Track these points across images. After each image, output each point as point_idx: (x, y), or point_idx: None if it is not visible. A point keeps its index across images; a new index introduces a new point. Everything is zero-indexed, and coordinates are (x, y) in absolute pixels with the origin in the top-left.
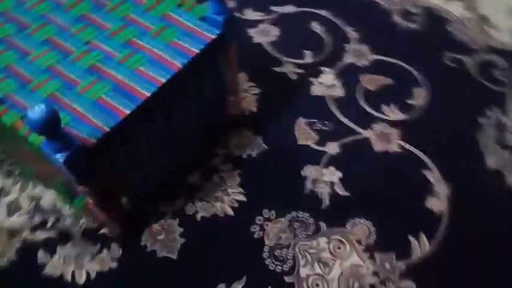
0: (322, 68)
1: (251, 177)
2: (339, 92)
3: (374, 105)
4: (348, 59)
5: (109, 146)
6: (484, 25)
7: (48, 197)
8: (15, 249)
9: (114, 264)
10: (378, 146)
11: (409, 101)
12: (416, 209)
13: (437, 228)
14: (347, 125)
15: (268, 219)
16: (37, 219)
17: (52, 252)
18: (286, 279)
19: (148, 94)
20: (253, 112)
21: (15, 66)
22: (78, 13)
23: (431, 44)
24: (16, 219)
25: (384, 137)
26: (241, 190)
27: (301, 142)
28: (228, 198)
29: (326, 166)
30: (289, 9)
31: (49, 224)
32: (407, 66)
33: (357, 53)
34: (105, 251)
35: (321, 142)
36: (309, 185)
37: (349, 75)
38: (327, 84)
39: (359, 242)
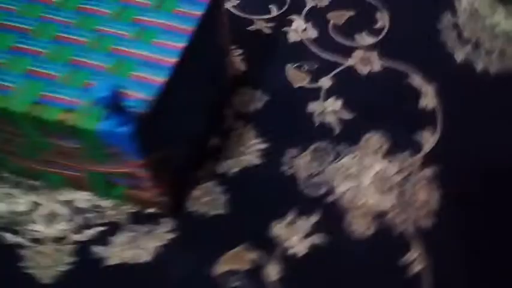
0: (291, 17)
1: (265, 126)
2: (313, 33)
3: (347, 37)
4: (310, 3)
5: (156, 115)
6: None
7: (81, 198)
8: (68, 254)
9: (171, 235)
10: (363, 70)
11: (376, 26)
12: (413, 111)
13: (436, 120)
14: (330, 60)
15: (293, 157)
16: (78, 220)
17: (105, 244)
18: (328, 199)
19: (173, 60)
20: (244, 71)
21: (34, 68)
22: (73, 7)
23: None
24: (58, 227)
25: (366, 61)
26: (260, 139)
27: (297, 85)
28: (251, 150)
29: (326, 99)
30: None
31: (92, 221)
32: None
33: None
34: (157, 227)
35: (314, 80)
36: (317, 119)
37: (316, 17)
38: (300, 30)
39: (376, 152)
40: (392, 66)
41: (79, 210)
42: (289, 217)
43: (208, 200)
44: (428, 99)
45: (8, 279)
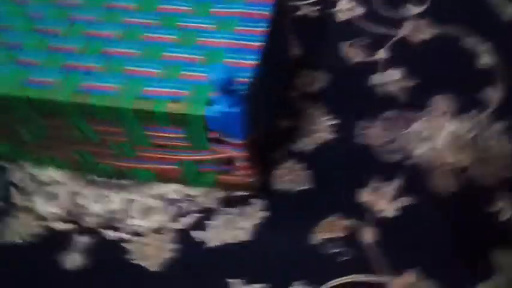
0: None
1: (331, 103)
2: (359, 10)
3: (394, 9)
4: None
5: (252, 96)
6: None
7: (171, 189)
8: (170, 242)
9: (264, 214)
10: (416, 38)
11: None
12: (473, 72)
13: (497, 77)
14: (382, 33)
15: (364, 128)
16: (173, 210)
17: (203, 229)
18: (407, 163)
19: (259, 44)
20: (301, 55)
21: (131, 67)
22: (152, 9)
23: None
24: (155, 218)
25: (417, 30)
26: (329, 116)
27: (354, 61)
28: (323, 126)
29: (385, 70)
30: None
31: (186, 210)
32: None
33: None
34: (249, 208)
35: (370, 53)
36: (380, 90)
37: None
38: (345, 9)
39: (445, 113)
40: (443, 31)
41: (171, 201)
42: (373, 184)
43: (291, 177)
44: (486, 58)
45: (119, 271)
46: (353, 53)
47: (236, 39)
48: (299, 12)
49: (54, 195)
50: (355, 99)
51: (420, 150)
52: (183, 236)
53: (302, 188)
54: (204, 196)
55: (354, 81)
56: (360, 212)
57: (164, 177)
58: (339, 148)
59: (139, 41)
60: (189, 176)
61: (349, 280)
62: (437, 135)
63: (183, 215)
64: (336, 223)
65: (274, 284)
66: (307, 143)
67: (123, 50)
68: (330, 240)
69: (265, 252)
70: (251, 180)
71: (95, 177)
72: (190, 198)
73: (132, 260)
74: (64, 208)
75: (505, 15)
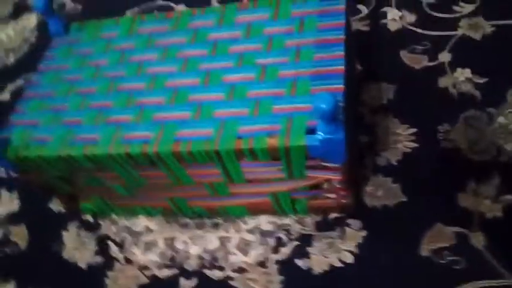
0: (383, 10)
1: (405, 112)
2: (411, 17)
3: (447, 11)
4: None
5: (345, 119)
6: None
7: (264, 221)
8: (276, 273)
9: (364, 232)
10: (476, 35)
11: None
12: None
13: None
14: (440, 35)
15: (447, 131)
16: (271, 242)
17: (306, 256)
18: (501, 159)
19: (342, 68)
20: (361, 69)
21: (222, 110)
22: (224, 52)
23: None
24: (255, 252)
25: (475, 26)
26: (406, 126)
27: (419, 67)
28: (402, 137)
29: (453, 71)
30: None
31: (284, 239)
32: None
33: None
34: (347, 229)
35: (433, 58)
36: (453, 91)
37: (407, 2)
38: (397, 18)
39: None
40: (502, 23)
41: (268, 233)
42: (470, 187)
43: (383, 192)
44: None
45: None
46: (415, 59)
47: (318, 66)
48: (351, 28)
49: (153, 243)
50: (428, 104)
51: (509, 147)
52: (288, 266)
53: (397, 201)
54: (298, 223)
55: (423, 87)
56: (464, 217)
57: (256, 210)
58: (425, 156)
59: (221, 84)
60: (281, 205)
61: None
62: None
63: (283, 245)
64: (442, 231)
65: None
66: (390, 156)
67: (208, 95)
68: (440, 249)
69: (376, 270)
70: (345, 201)
71: (188, 220)
72: (286, 227)
73: None
74: (164, 254)
75: None
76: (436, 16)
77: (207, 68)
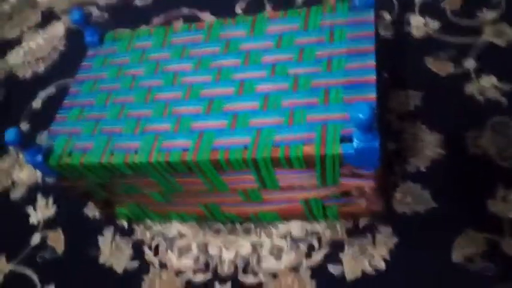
0: (406, 16)
1: (432, 119)
2: (435, 24)
3: (470, 17)
4: None
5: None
6: None
7: (295, 227)
8: (309, 278)
9: (395, 239)
10: (501, 41)
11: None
12: None
13: None
14: (464, 42)
15: (475, 138)
16: (303, 248)
17: (338, 262)
18: None
19: (373, 77)
20: (387, 77)
21: (257, 119)
22: (256, 62)
23: None
24: (287, 258)
25: (499, 32)
26: (433, 132)
27: (444, 73)
28: (430, 143)
29: (479, 77)
30: None
31: (315, 245)
32: None
33: None
34: (378, 235)
35: (458, 64)
36: (480, 97)
37: (431, 9)
38: (420, 25)
39: None
40: None
41: (299, 239)
42: (500, 193)
43: (412, 199)
44: None
45: None
46: (440, 66)
47: (350, 76)
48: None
49: (186, 249)
50: (455, 111)
51: None
52: (320, 271)
53: (427, 207)
54: (329, 229)
55: (449, 93)
56: (495, 223)
57: (287, 216)
58: (453, 162)
59: (255, 94)
60: (313, 211)
61: None
62: None
63: (315, 251)
64: (473, 237)
65: None
66: (418, 163)
67: (243, 104)
68: (472, 256)
69: (408, 276)
70: (376, 207)
71: (220, 225)
72: (317, 233)
73: None
74: (199, 259)
75: None
76: (460, 23)
77: (241, 78)
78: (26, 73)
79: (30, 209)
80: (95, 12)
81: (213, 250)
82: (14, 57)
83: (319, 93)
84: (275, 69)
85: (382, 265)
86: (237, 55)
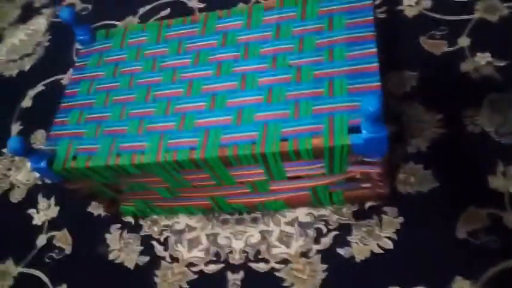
0: None
1: (430, 99)
2: (427, 3)
3: None
4: None
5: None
6: None
7: (302, 214)
8: (319, 263)
9: (401, 219)
10: (493, 18)
11: None
12: None
13: None
14: (457, 20)
15: (473, 116)
16: (310, 233)
17: (347, 244)
18: None
19: (376, 65)
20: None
21: (263, 113)
22: (255, 54)
23: None
24: (298, 244)
25: (491, 9)
26: (432, 112)
27: (439, 52)
28: (429, 123)
29: (473, 55)
30: None
31: (323, 230)
32: None
33: None
34: (384, 216)
35: (452, 42)
36: (475, 75)
37: None
38: (412, 3)
39: None
40: None
41: (307, 224)
42: (500, 168)
43: (415, 179)
44: None
45: None
46: (435, 45)
47: (352, 64)
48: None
49: (196, 241)
50: (452, 89)
51: None
52: (330, 255)
53: (430, 187)
54: (336, 214)
55: (444, 72)
56: (497, 199)
57: (294, 203)
58: (453, 140)
59: (258, 87)
60: (319, 197)
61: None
62: None
63: (323, 235)
64: (476, 213)
65: (434, 284)
66: (419, 143)
67: (246, 99)
68: (476, 231)
69: (415, 255)
70: (381, 190)
71: (227, 216)
72: (324, 218)
73: (290, 286)
74: (208, 250)
75: None
76: (452, 1)
77: (242, 71)
78: (12, 72)
79: (32, 211)
80: (78, 4)
81: (222, 241)
82: None
83: (324, 84)
84: (276, 61)
85: (390, 245)
86: (235, 48)
